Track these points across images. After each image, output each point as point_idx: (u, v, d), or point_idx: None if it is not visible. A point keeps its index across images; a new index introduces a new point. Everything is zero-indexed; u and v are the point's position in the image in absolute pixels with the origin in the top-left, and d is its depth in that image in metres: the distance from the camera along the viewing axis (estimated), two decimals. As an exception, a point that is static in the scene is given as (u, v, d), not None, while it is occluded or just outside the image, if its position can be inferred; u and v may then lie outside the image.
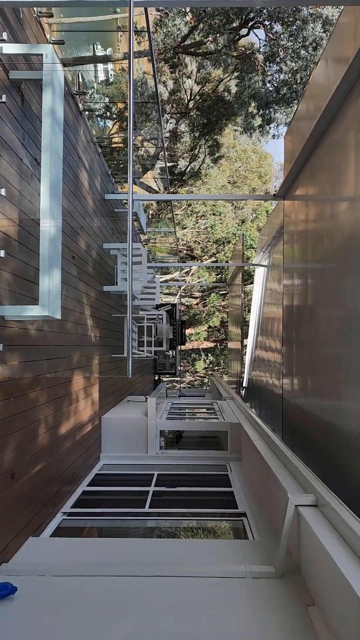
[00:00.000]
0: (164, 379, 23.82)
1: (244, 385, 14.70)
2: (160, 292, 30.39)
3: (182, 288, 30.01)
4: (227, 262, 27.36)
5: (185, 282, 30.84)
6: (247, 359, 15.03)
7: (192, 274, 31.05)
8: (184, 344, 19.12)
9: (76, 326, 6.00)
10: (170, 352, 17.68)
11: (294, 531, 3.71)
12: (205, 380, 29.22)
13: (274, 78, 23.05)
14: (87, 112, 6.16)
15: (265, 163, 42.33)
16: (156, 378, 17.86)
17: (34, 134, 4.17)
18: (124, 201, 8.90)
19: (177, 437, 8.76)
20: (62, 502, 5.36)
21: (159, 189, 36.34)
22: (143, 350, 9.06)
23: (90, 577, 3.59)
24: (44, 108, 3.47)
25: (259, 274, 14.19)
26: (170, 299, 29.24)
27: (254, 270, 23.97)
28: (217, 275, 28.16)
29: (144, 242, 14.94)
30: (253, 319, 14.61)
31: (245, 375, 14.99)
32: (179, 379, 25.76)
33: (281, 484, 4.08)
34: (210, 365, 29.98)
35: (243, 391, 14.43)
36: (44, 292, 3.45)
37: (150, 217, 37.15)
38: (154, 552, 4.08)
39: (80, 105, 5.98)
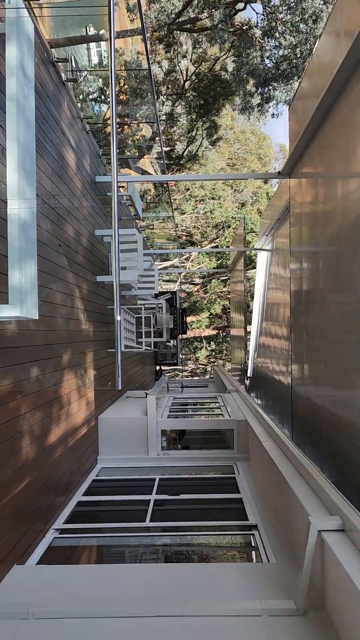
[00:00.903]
0: (165, 369, 23.34)
1: (248, 375, 14.18)
2: (160, 280, 29.78)
3: (182, 275, 29.39)
4: (227, 247, 26.69)
5: (186, 268, 30.22)
6: (252, 346, 14.49)
7: (192, 260, 30.41)
8: (185, 333, 18.58)
9: (67, 322, 5.45)
10: (171, 342, 17.15)
11: (317, 560, 3.19)
12: (208, 369, 28.74)
13: (273, 54, 22.18)
14: (70, 84, 5.54)
15: (264, 144, 41.43)
16: (157, 369, 17.35)
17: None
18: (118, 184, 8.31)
19: (179, 435, 8.26)
20: (53, 518, 4.85)
21: (156, 173, 35.49)
22: (142, 343, 8.52)
23: (80, 620, 3.08)
24: (8, 64, 2.86)
25: (262, 259, 13.58)
26: (170, 287, 28.62)
27: (256, 255, 23.33)
28: (217, 260, 27.52)
29: (141, 229, 14.32)
30: (256, 305, 14.04)
31: (250, 364, 14.46)
32: (180, 367, 25.27)
33: (299, 501, 3.56)
34: (213, 353, 29.48)
35: (248, 381, 13.92)
36: (15, 289, 2.88)
37: (148, 202, 36.38)
38: (156, 582, 3.57)
39: (62, 75, 5.35)
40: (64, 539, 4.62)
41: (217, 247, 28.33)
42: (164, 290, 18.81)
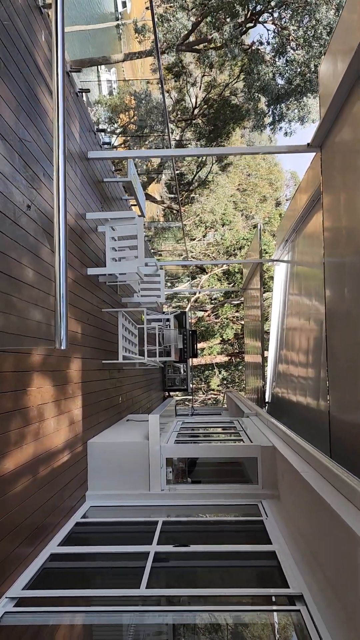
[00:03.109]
0: (175, 397, 21.77)
1: (267, 400, 12.69)
2: (168, 306, 28.59)
3: (192, 299, 28.18)
4: (240, 269, 25.50)
5: (198, 286, 29.00)
6: (269, 374, 13.09)
7: (202, 286, 29.25)
8: (196, 356, 17.15)
9: (42, 312, 4.15)
10: (181, 365, 15.72)
11: None
12: (220, 397, 27.09)
13: (285, 70, 21.49)
14: (48, 12, 4.38)
15: (275, 170, 40.84)
16: (165, 395, 15.87)
17: None
18: (116, 171, 7.14)
19: (189, 466, 6.76)
20: (9, 580, 3.41)
21: (163, 200, 34.81)
22: (143, 356, 7.15)
23: None
24: None
25: (279, 278, 12.31)
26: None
27: (272, 279, 22.04)
28: (229, 284, 26.28)
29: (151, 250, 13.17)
30: (274, 329, 12.71)
31: (267, 391, 13.01)
32: (191, 397, 23.70)
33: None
34: (224, 382, 27.88)
35: (266, 407, 12.41)
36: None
37: (157, 228, 35.64)
38: None
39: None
40: (21, 616, 3.16)
41: (228, 269, 27.16)
42: (173, 306, 17.54)
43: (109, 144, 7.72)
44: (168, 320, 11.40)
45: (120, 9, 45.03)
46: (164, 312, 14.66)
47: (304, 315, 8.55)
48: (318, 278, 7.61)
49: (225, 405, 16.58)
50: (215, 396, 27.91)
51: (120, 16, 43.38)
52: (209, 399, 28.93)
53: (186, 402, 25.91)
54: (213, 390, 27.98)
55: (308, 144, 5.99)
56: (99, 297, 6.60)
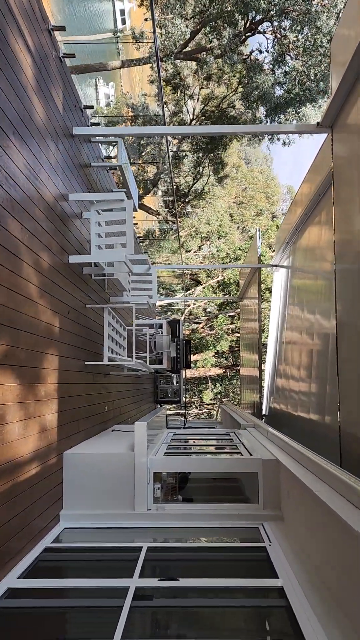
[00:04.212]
0: (167, 409, 20.96)
1: (264, 413, 11.99)
2: (160, 312, 27.91)
3: (186, 311, 27.52)
4: (237, 281, 24.93)
5: (192, 294, 28.36)
6: (266, 387, 12.44)
7: (197, 299, 28.65)
8: (190, 367, 16.42)
9: (8, 293, 3.48)
10: (174, 376, 14.99)
11: None
12: (214, 412, 26.27)
13: (284, 78, 21.19)
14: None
15: (272, 184, 40.69)
16: (157, 407, 15.11)
17: None
18: (106, 158, 6.52)
19: (180, 482, 6.02)
20: None
21: (159, 213, 34.41)
22: (131, 357, 6.45)
23: None
24: None
25: (277, 289, 11.74)
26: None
27: (269, 290, 21.45)
28: (224, 295, 25.66)
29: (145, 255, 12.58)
30: (271, 342, 12.08)
31: (264, 405, 12.33)
32: (184, 411, 22.90)
33: None
34: (218, 396, 27.09)
35: (263, 420, 11.71)
36: None
37: (152, 239, 35.15)
38: None
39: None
40: None
41: (223, 281, 26.57)
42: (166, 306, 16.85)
43: (109, 158, 7.12)
44: (161, 326, 10.72)
45: (119, 25, 45.20)
46: (157, 318, 14.02)
47: (305, 329, 7.99)
48: (321, 289, 7.04)
49: (220, 419, 15.83)
50: (209, 410, 27.10)
51: (119, 33, 43.53)
52: (202, 413, 28.11)
53: (180, 417, 25.07)
54: (206, 404, 27.18)
55: (318, 122, 5.40)
56: (84, 291, 5.93)
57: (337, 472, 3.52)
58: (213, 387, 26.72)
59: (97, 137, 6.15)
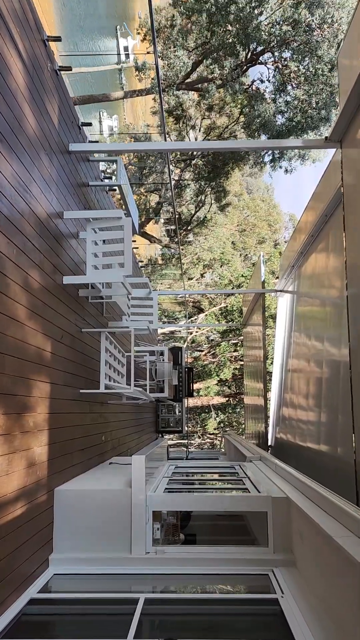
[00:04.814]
0: (168, 439, 20.38)
1: (269, 444, 11.50)
2: (162, 340, 27.54)
3: (189, 339, 27.17)
4: (240, 308, 24.64)
5: (195, 322, 28.02)
6: (272, 417, 11.99)
7: (199, 324, 28.34)
8: (192, 396, 15.98)
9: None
10: (176, 405, 14.54)
11: None
12: (217, 442, 25.63)
13: (286, 107, 21.37)
14: None
15: (274, 212, 40.86)
16: (159, 437, 14.61)
17: None
18: (105, 179, 6.30)
19: (182, 519, 5.56)
20: None
21: (162, 240, 34.49)
22: (130, 386, 6.08)
23: None
24: None
25: (282, 316, 11.42)
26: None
27: (272, 318, 21.12)
28: (227, 322, 25.33)
29: (142, 267, 12.34)
30: (276, 370, 11.70)
31: (270, 435, 11.85)
32: (186, 441, 22.29)
33: None
34: (222, 426, 26.45)
35: (269, 452, 11.21)
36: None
37: (154, 266, 35.13)
38: None
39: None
40: None
41: (226, 308, 26.28)
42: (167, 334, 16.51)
43: (109, 177, 6.94)
44: (162, 353, 10.36)
45: (123, 59, 46.31)
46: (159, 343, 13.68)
47: (312, 356, 7.65)
48: (329, 315, 6.75)
49: (223, 449, 15.30)
50: (212, 440, 26.45)
51: (123, 64, 44.57)
52: (205, 443, 27.43)
53: (182, 447, 24.38)
54: (209, 433, 26.54)
55: (326, 137, 5.17)
56: (80, 314, 5.61)
57: (357, 514, 3.12)
58: (216, 416, 26.14)
59: (95, 156, 5.94)
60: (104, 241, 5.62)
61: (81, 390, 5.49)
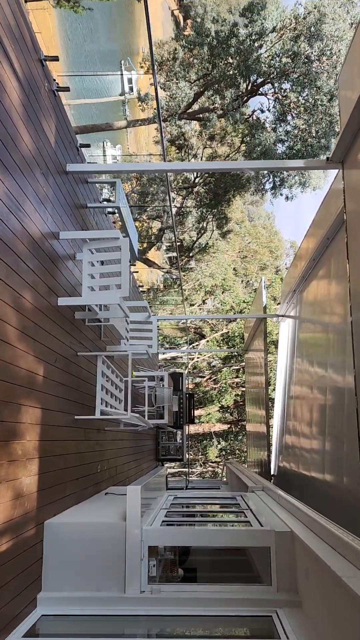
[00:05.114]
0: (169, 467, 19.91)
1: (272, 473, 11.16)
2: (163, 365, 27.26)
3: (190, 364, 26.92)
4: (242, 334, 24.47)
5: (196, 347, 27.79)
6: (274, 445, 11.68)
7: (201, 351, 28.13)
8: (193, 422, 15.66)
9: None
10: (178, 432, 14.22)
11: None
12: (219, 470, 25.06)
13: (286, 136, 21.65)
14: None
15: (275, 238, 41.07)
16: (159, 465, 14.24)
17: None
18: (101, 187, 6.23)
19: (180, 554, 5.27)
20: None
21: (164, 266, 34.62)
22: (126, 411, 5.87)
23: None
24: None
25: (284, 342, 11.25)
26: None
27: (273, 344, 20.90)
28: (229, 347, 25.12)
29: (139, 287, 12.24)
30: (279, 397, 11.46)
31: (273, 464, 11.52)
32: (187, 470, 21.80)
33: None
34: (223, 453, 25.94)
35: (272, 481, 10.87)
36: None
37: (156, 292, 35.12)
38: None
39: None
40: None
41: (228, 334, 26.12)
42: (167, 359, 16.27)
43: (108, 199, 6.93)
44: (162, 378, 10.15)
45: (127, 90, 47.38)
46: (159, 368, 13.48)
47: (315, 383, 7.45)
48: (331, 342, 6.59)
49: (225, 479, 14.89)
50: (214, 469, 25.89)
51: (127, 95, 45.58)
52: (207, 471, 26.85)
53: (183, 475, 23.83)
54: (211, 461, 26.00)
55: (327, 158, 5.09)
56: (76, 338, 5.45)
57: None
58: (218, 443, 25.66)
59: (94, 178, 5.88)
60: (102, 263, 5.51)
61: (76, 417, 5.28)
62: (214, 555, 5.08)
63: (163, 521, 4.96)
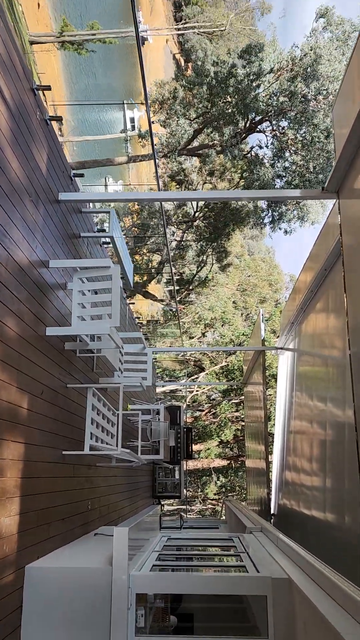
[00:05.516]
0: (165, 504, 19.32)
1: (272, 512, 10.76)
2: (163, 392, 26.88)
3: (189, 398, 26.55)
4: (240, 367, 24.20)
5: (195, 380, 27.46)
6: (274, 482, 11.32)
7: (199, 384, 27.81)
8: (192, 458, 15.26)
9: None
10: (175, 468, 13.82)
11: None
12: (219, 508, 24.34)
13: (284, 172, 21.99)
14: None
15: (275, 272, 41.27)
16: (155, 503, 13.78)
17: None
18: (101, 222, 6.18)
19: (171, 601, 4.93)
20: None
21: (164, 299, 34.70)
22: (116, 446, 5.63)
23: None
24: None
25: (283, 375, 11.06)
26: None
27: (273, 377, 20.62)
28: (228, 380, 24.82)
29: (138, 321, 12.10)
30: (278, 432, 11.17)
31: (273, 502, 11.12)
32: (185, 507, 21.17)
33: None
34: (223, 490, 25.26)
35: (272, 521, 10.46)
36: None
37: (155, 325, 35.05)
38: None
39: None
40: None
41: (227, 366, 25.84)
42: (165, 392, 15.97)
43: (108, 243, 6.84)
44: (158, 412, 9.90)
45: (128, 128, 48.62)
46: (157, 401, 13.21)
47: (315, 417, 7.24)
48: (331, 375, 6.42)
49: (225, 517, 14.41)
50: (214, 506, 25.17)
51: (127, 136, 46.72)
52: (207, 509, 26.09)
53: (182, 514, 23.09)
54: (210, 499, 25.30)
55: (323, 187, 5.04)
56: (66, 369, 5.27)
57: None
58: (217, 479, 25.02)
59: (88, 207, 5.83)
60: (96, 293, 5.39)
61: (64, 452, 5.05)
62: (209, 602, 4.75)
63: (154, 565, 4.66)
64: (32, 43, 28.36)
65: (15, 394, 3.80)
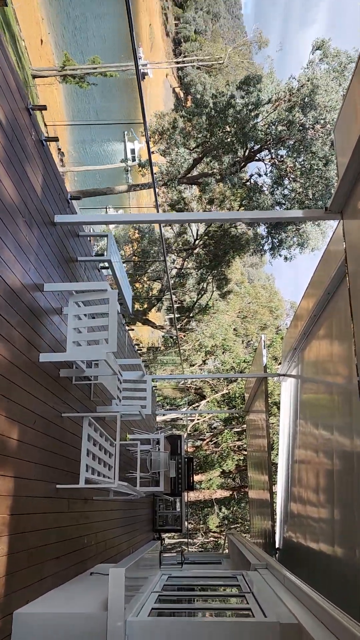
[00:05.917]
0: (168, 536, 18.70)
1: (277, 546, 10.32)
2: (164, 421, 26.39)
3: (189, 426, 26.10)
4: (242, 393, 23.85)
5: (196, 409, 27.04)
6: (279, 514, 10.92)
7: (200, 412, 27.39)
8: (193, 489, 14.80)
9: None
10: (177, 500, 13.37)
11: None
12: (221, 542, 23.59)
13: (283, 199, 22.13)
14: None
15: (275, 298, 41.27)
16: (156, 537, 13.29)
17: None
18: (89, 238, 6.05)
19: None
20: None
21: (164, 326, 34.57)
22: (114, 479, 5.36)
23: None
24: None
25: (286, 403, 10.79)
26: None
27: (276, 405, 20.26)
28: (230, 408, 24.42)
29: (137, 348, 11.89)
30: (282, 462, 10.84)
31: (278, 535, 10.69)
32: (186, 538, 20.51)
33: None
34: (225, 522, 24.53)
35: (277, 556, 10.02)
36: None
37: (155, 353, 34.80)
38: None
39: None
40: None
41: (228, 394, 25.47)
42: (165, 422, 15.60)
43: (106, 267, 6.74)
44: (158, 442, 9.59)
45: (129, 158, 49.45)
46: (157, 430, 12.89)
47: (321, 446, 6.97)
48: (336, 403, 6.20)
49: (227, 550, 13.87)
50: (216, 539, 24.41)
51: (128, 166, 47.48)
52: (209, 542, 25.31)
53: (184, 547, 22.34)
54: (212, 531, 24.56)
55: (326, 208, 4.91)
56: (61, 397, 5.05)
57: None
58: (219, 511, 24.34)
59: (85, 231, 5.71)
60: (94, 317, 5.22)
61: (58, 486, 4.79)
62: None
63: (153, 608, 4.34)
64: (34, 77, 29.06)
65: (4, 424, 3.58)
